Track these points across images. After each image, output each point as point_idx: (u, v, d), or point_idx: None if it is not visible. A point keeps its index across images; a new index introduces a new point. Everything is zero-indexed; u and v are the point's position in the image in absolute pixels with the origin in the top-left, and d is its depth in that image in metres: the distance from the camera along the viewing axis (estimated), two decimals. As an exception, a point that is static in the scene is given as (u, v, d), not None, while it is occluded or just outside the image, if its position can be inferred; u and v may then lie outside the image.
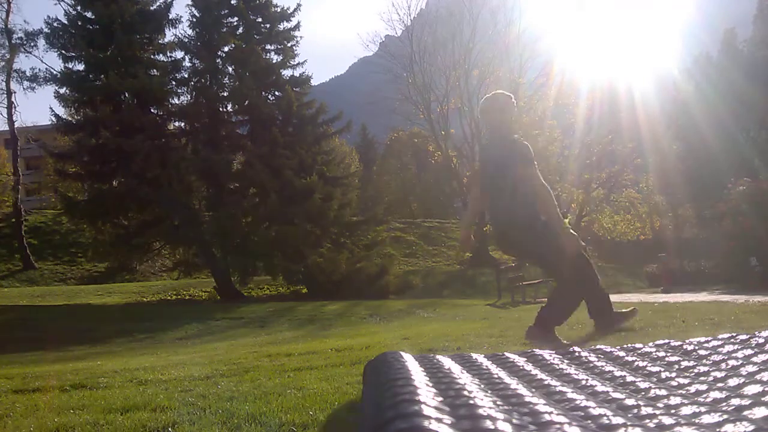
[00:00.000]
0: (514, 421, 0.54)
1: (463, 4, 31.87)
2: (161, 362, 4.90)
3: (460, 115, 32.23)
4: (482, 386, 0.73)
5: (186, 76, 20.05)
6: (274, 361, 4.12)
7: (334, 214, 18.59)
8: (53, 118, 19.01)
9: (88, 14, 19.00)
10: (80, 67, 19.12)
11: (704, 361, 0.97)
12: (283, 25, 20.30)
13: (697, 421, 0.62)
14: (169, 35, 20.92)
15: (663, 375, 0.88)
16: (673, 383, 0.83)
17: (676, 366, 0.95)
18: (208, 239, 18.62)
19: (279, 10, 20.12)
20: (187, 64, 20.03)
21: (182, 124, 20.44)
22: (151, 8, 19.59)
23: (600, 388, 0.76)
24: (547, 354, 1.02)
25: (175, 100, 20.07)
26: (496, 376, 0.81)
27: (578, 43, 32.53)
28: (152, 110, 19.40)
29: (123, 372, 4.00)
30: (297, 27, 20.42)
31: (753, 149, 20.58)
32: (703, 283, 15.53)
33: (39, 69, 27.79)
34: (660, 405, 0.69)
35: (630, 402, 0.67)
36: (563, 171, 30.87)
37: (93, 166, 18.69)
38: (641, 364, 0.96)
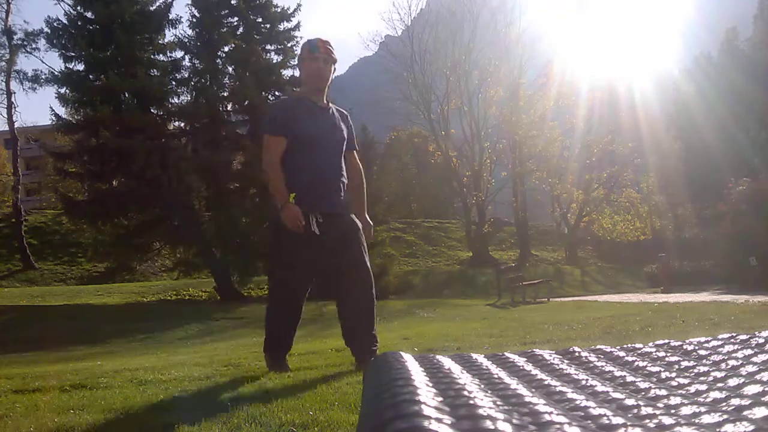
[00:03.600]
0: (514, 421, 0.54)
1: (464, 5, 31.90)
2: (161, 362, 4.91)
3: (460, 115, 32.26)
4: (482, 386, 0.73)
5: (186, 76, 20.05)
6: (274, 361, 4.11)
7: (334, 214, 18.55)
8: (53, 118, 19.01)
9: (88, 14, 18.98)
10: (80, 67, 19.13)
11: (704, 361, 0.97)
12: (284, 25, 20.29)
13: (697, 421, 0.62)
14: (169, 35, 20.94)
15: (663, 375, 0.88)
16: (673, 383, 0.83)
17: (676, 366, 0.95)
18: (208, 239, 18.61)
19: (279, 10, 20.10)
20: (187, 64, 20.04)
21: (182, 124, 20.44)
22: (151, 8, 19.57)
23: (600, 388, 0.76)
24: (547, 354, 1.02)
25: (175, 100, 20.07)
26: (496, 376, 0.81)
27: (578, 43, 32.57)
28: (152, 110, 19.39)
29: (123, 372, 4.00)
30: (297, 27, 20.41)
31: (753, 149, 20.60)
32: (703, 283, 15.54)
33: (40, 70, 27.77)
34: (660, 405, 0.69)
35: (630, 402, 0.67)
36: (563, 171, 30.90)
37: (93, 166, 18.68)
38: (641, 364, 0.96)
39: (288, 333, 3.45)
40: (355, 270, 3.32)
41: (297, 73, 20.59)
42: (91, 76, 19.01)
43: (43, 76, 25.76)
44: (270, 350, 3.46)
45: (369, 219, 3.57)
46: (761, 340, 1.03)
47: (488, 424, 0.51)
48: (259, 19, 20.07)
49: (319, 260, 3.29)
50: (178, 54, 20.04)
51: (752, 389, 0.75)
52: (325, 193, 3.28)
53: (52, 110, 18.98)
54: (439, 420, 0.52)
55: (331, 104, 3.46)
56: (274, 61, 20.06)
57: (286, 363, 3.47)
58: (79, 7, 18.99)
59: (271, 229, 3.36)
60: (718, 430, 0.58)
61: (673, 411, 0.64)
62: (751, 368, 0.86)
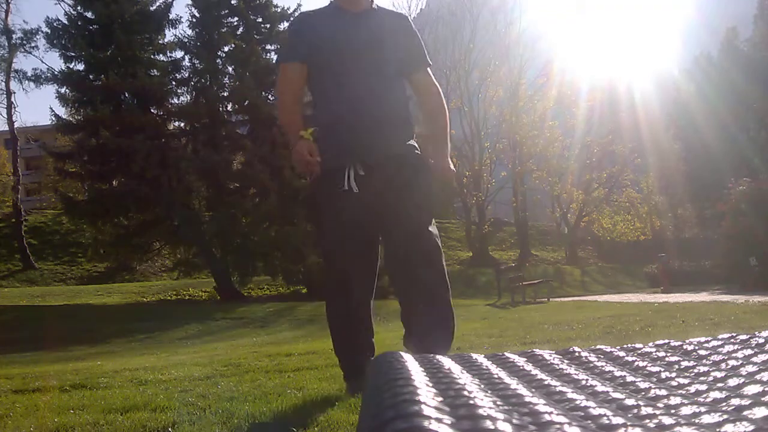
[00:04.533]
0: (514, 421, 0.54)
1: (464, 5, 31.89)
2: (161, 362, 4.91)
3: (460, 115, 32.23)
4: (482, 386, 0.73)
5: (186, 76, 20.08)
6: (274, 361, 4.12)
7: (334, 214, 18.57)
8: (53, 118, 19.05)
9: (88, 14, 19.02)
10: (80, 67, 19.15)
11: (704, 361, 0.97)
12: (284, 25, 20.30)
13: (697, 421, 0.62)
14: (169, 35, 21.00)
15: (663, 375, 0.88)
16: (673, 383, 0.83)
17: (676, 366, 0.94)
18: (208, 239, 18.63)
19: (279, 10, 20.13)
20: (187, 64, 20.08)
21: (182, 124, 20.45)
22: (151, 8, 19.60)
23: (600, 388, 0.76)
24: (547, 354, 1.02)
25: (175, 100, 20.11)
26: (496, 376, 0.81)
27: (578, 43, 32.61)
28: (152, 110, 19.42)
29: (123, 372, 4.00)
30: (297, 27, 20.44)
31: (753, 149, 20.61)
32: (703, 283, 15.55)
33: (40, 69, 27.82)
34: (660, 405, 0.68)
35: (630, 402, 0.67)
36: (563, 171, 30.91)
37: (93, 166, 18.71)
38: (641, 364, 0.95)
39: (358, 331, 2.56)
40: (414, 242, 2.31)
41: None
42: (91, 76, 19.04)
43: (44, 76, 25.80)
44: (347, 367, 2.57)
45: (449, 163, 2.49)
46: (761, 340, 1.03)
47: (488, 424, 0.51)
48: (259, 19, 20.09)
49: (370, 223, 2.35)
50: (178, 54, 20.10)
51: (752, 389, 0.75)
52: (363, 133, 2.31)
53: (52, 110, 19.04)
54: (439, 420, 0.51)
55: (375, 6, 2.47)
56: (274, 61, 20.07)
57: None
58: (79, 7, 19.03)
59: (308, 201, 2.39)
60: (718, 430, 0.58)
61: (673, 411, 0.64)
62: (751, 368, 0.86)
